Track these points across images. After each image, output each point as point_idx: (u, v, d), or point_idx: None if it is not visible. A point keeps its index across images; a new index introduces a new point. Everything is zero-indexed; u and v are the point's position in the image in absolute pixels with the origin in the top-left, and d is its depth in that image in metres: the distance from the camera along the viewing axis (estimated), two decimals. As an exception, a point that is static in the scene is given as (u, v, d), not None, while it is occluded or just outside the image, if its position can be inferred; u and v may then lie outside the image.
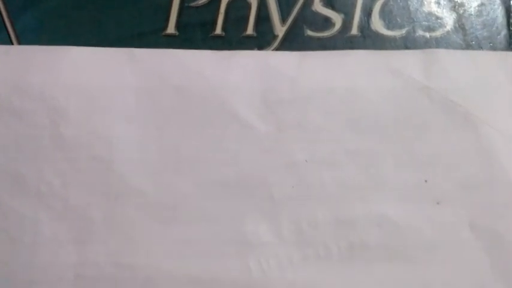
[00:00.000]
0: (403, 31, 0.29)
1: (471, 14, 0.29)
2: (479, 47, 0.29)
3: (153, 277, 0.25)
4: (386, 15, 0.29)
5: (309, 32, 0.29)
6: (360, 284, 0.25)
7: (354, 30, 0.29)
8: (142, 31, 0.29)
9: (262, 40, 0.29)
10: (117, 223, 0.26)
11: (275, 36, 0.29)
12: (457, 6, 0.29)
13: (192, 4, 0.29)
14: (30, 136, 0.27)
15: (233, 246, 0.25)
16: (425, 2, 0.29)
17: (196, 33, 0.29)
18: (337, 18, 0.29)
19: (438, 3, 0.29)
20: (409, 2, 0.29)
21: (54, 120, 0.27)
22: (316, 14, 0.29)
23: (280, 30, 0.29)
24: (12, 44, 0.28)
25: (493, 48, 0.29)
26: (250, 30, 0.29)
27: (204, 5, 0.29)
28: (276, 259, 0.25)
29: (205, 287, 0.25)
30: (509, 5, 0.29)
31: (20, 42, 0.29)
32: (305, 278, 0.25)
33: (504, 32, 0.29)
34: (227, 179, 0.26)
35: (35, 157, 0.26)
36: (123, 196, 0.26)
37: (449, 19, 0.29)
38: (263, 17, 0.29)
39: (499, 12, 0.29)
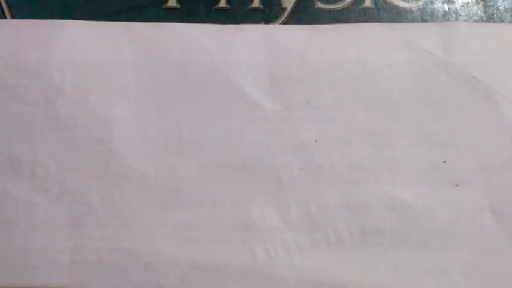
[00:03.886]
0: (420, 2, 0.28)
1: (492, -16, 0.28)
2: (501, 20, 0.28)
3: (154, 263, 0.24)
4: (402, -15, 0.28)
5: (320, 4, 0.28)
6: (373, 271, 0.24)
7: (368, 2, 0.28)
8: (142, 4, 0.28)
9: (269, 13, 0.28)
10: (116, 206, 0.25)
11: (283, 9, 0.28)
12: (477, -24, 0.28)
13: (195, -25, 0.29)
14: (24, 114, 0.26)
15: (238, 231, 0.25)
16: (444, -28, 0.29)
17: (199, 6, 0.28)
18: (349, -11, 0.28)
19: (457, -28, 0.28)
20: (426, -28, 0.29)
21: (50, 97, 0.26)
22: (327, -15, 0.29)
23: (288, 2, 0.28)
24: (5, 17, 0.28)
25: (516, 21, 0.28)
26: (256, 2, 0.28)
27: (207, -24, 0.29)
28: (284, 244, 0.24)
29: (209, 273, 0.24)
30: (534, -25, 0.28)
31: (14, 15, 0.28)
32: (314, 264, 0.24)
33: (528, 3, 0.28)
34: (232, 161, 0.25)
35: (29, 137, 0.26)
36: (122, 178, 0.25)
37: (469, -10, 0.28)
38: (270, -12, 0.29)
39: (522, -17, 0.28)
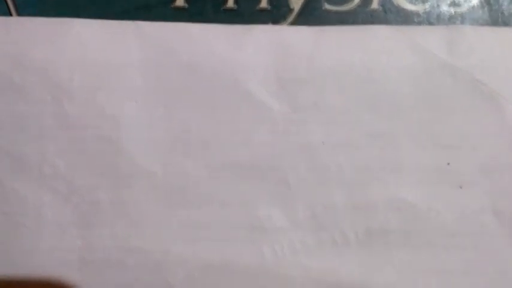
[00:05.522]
0: (427, 6, 0.28)
1: (497, -12, 0.28)
2: (505, 24, 0.28)
3: (162, 262, 0.24)
4: (409, -12, 0.28)
5: (327, 6, 0.28)
6: (378, 270, 0.24)
7: (375, 4, 0.28)
8: (149, 3, 0.28)
9: (276, 14, 0.28)
10: (124, 206, 0.25)
11: (291, 10, 0.28)
12: (483, -20, 0.28)
13: (203, -25, 0.28)
14: (32, 114, 0.26)
15: (245, 230, 0.25)
16: (450, -25, 0.28)
17: (206, 6, 0.28)
18: (357, -9, 0.28)
19: (463, -24, 0.28)
20: (432, -25, 0.28)
21: (58, 97, 0.26)
22: (335, -14, 0.28)
23: (296, 3, 0.28)
24: (11, 15, 0.27)
25: (520, 24, 0.28)
26: (264, 3, 0.28)
27: (215, -24, 0.28)
28: (290, 244, 0.25)
29: (217, 272, 0.24)
30: (538, -21, 0.28)
31: (19, 13, 0.27)
32: (320, 264, 0.24)
33: (532, 7, 0.28)
34: (239, 161, 0.25)
35: (38, 136, 0.25)
36: (130, 178, 0.25)
37: (474, -7, 0.28)
38: (278, -11, 0.28)
39: (526, -13, 0.28)
